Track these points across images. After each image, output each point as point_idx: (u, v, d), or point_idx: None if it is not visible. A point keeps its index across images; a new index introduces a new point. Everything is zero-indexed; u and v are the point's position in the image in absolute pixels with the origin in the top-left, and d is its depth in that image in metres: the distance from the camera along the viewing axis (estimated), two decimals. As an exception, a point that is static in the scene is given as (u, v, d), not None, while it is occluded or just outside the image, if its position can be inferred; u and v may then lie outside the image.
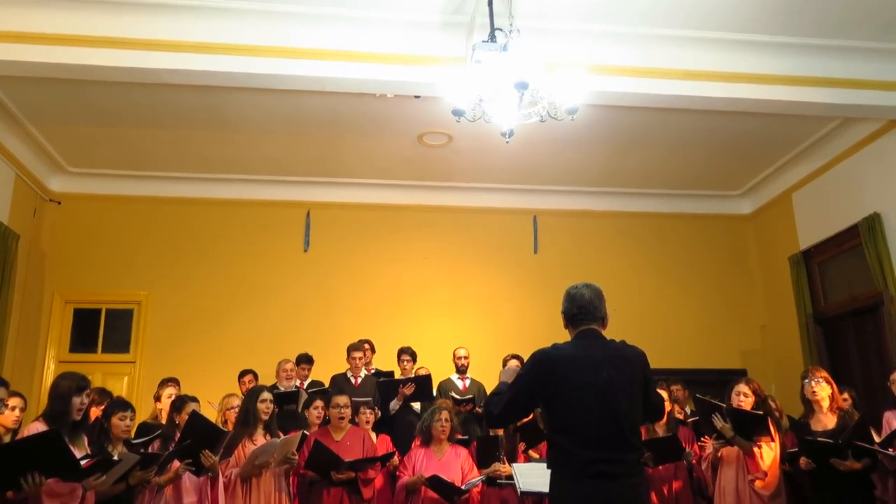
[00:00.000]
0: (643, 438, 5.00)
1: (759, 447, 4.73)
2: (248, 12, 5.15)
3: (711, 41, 5.60)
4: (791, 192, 8.24)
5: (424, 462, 5.23)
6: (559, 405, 3.01)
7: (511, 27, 4.27)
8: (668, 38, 5.55)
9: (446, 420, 5.36)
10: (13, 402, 4.52)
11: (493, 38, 4.47)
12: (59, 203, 8.11)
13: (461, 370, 6.97)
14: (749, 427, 4.77)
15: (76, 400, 3.85)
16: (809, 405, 4.84)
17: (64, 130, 7.16)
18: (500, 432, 5.64)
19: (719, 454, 4.97)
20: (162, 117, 6.90)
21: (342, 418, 5.40)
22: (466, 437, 5.71)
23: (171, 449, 4.39)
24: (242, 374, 6.91)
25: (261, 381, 6.65)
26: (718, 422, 4.82)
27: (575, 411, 2.97)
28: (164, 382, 6.28)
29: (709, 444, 5.03)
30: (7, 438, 4.31)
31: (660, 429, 5.40)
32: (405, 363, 6.88)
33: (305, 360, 7.02)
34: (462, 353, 7.01)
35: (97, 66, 5.12)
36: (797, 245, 8.04)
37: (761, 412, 4.81)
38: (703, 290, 8.85)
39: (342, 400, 5.46)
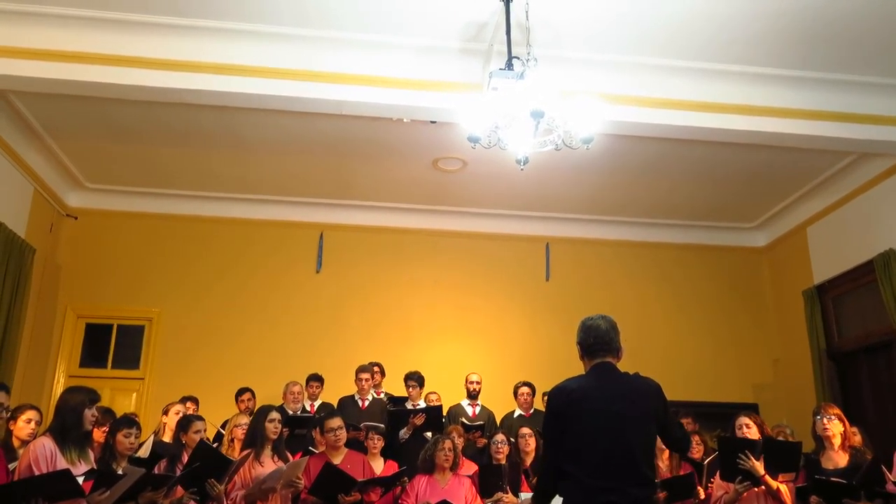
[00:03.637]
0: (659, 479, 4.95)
1: (784, 484, 4.59)
2: (268, 35, 5.21)
3: (729, 74, 5.62)
4: (806, 225, 8.20)
5: (428, 490, 5.19)
6: (571, 435, 3.03)
7: (528, 55, 4.29)
8: (685, 69, 5.57)
9: (449, 449, 5.31)
10: (29, 414, 4.56)
11: (510, 65, 4.50)
12: (76, 218, 8.18)
13: (472, 395, 6.94)
14: (779, 461, 4.58)
15: (88, 413, 3.86)
16: (821, 442, 4.75)
17: (83, 146, 7.24)
18: (503, 461, 5.60)
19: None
20: (180, 136, 6.97)
21: (338, 440, 5.35)
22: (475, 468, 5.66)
23: (178, 468, 4.37)
24: (240, 392, 6.88)
25: (261, 400, 6.61)
26: (747, 462, 4.48)
27: (586, 442, 2.99)
28: (184, 400, 6.28)
29: (716, 489, 4.85)
30: (21, 451, 4.32)
31: (662, 463, 5.28)
32: (411, 388, 6.83)
33: (315, 379, 7.00)
34: (475, 378, 6.98)
35: (118, 85, 5.19)
36: (811, 279, 7.98)
37: (797, 441, 4.66)
38: (715, 323, 8.79)
39: (335, 423, 5.36)
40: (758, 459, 4.53)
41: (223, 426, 6.16)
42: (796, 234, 8.41)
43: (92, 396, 3.91)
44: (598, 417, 3.00)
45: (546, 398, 3.23)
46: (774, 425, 6.24)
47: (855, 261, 7.26)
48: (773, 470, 4.54)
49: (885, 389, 6.99)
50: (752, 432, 4.78)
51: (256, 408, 6.53)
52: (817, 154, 6.88)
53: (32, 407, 4.66)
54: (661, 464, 5.24)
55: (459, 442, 5.76)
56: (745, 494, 4.62)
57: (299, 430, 6.14)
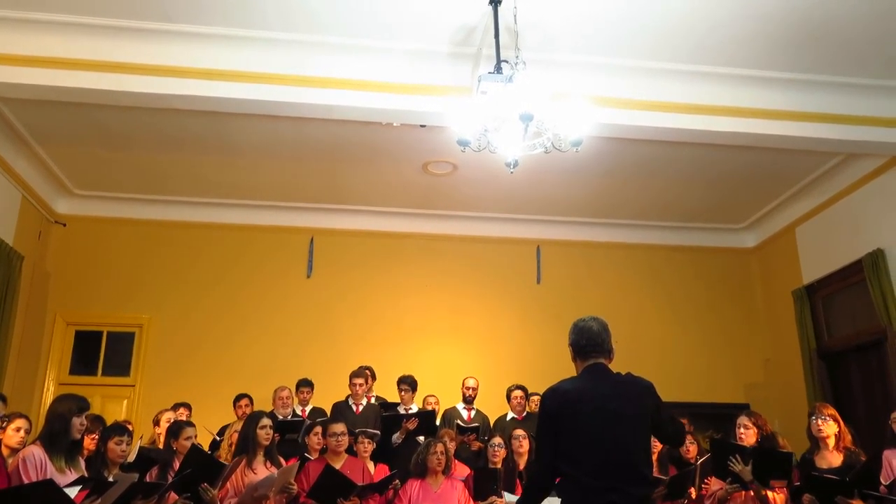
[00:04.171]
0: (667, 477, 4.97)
1: (774, 491, 4.61)
2: (256, 40, 5.21)
3: (717, 76, 5.64)
4: (795, 226, 8.24)
5: (420, 495, 5.19)
6: (567, 437, 3.03)
7: (517, 59, 4.30)
8: (674, 72, 5.59)
9: (441, 453, 5.30)
10: (18, 423, 4.54)
11: (499, 69, 4.51)
12: (65, 225, 8.14)
13: (468, 400, 6.92)
14: (770, 468, 4.58)
15: (76, 420, 3.86)
16: (815, 442, 4.78)
17: (71, 153, 7.21)
18: (500, 466, 5.59)
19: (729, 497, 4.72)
20: (168, 142, 6.94)
21: (339, 446, 5.36)
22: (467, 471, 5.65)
23: (169, 475, 4.35)
24: (238, 398, 6.86)
25: (257, 406, 6.61)
26: (736, 466, 4.56)
27: (583, 443, 2.99)
28: (177, 406, 6.26)
29: (713, 484, 4.89)
30: (10, 459, 4.30)
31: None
32: (404, 392, 6.82)
33: (305, 384, 6.99)
34: (471, 383, 6.96)
35: (106, 91, 5.18)
36: (801, 279, 8.02)
37: (789, 451, 4.70)
38: (705, 323, 8.81)
39: (339, 428, 5.40)
40: (747, 465, 4.56)
41: (220, 433, 6.15)
42: (785, 235, 8.45)
43: (81, 405, 3.91)
44: (594, 418, 3.00)
45: (540, 400, 3.22)
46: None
47: (844, 261, 7.30)
48: (763, 476, 4.56)
49: (876, 388, 7.02)
50: (750, 434, 4.81)
51: (252, 414, 6.52)
52: (805, 155, 6.92)
53: (21, 415, 4.64)
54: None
55: (451, 445, 5.75)
56: (734, 495, 4.67)
57: (290, 435, 6.12)
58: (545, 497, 3.15)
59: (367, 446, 5.67)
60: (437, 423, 6.55)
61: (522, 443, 5.75)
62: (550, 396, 3.15)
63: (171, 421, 5.55)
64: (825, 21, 5.09)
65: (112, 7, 4.94)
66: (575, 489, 2.97)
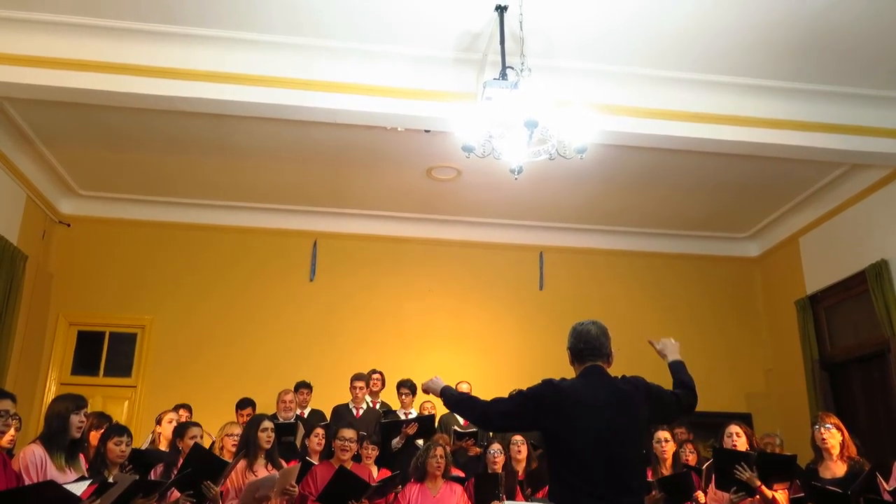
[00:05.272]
0: (655, 478, 4.95)
1: (777, 492, 4.59)
2: (262, 44, 5.22)
3: (722, 85, 5.65)
4: (798, 236, 8.23)
5: (419, 499, 5.18)
6: (561, 442, 2.99)
7: (522, 65, 4.32)
8: (679, 80, 5.60)
9: (441, 456, 5.30)
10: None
11: (504, 75, 4.52)
12: (69, 225, 8.16)
13: (463, 406, 6.90)
14: (773, 472, 4.58)
15: (74, 418, 3.87)
16: (819, 452, 4.76)
17: (76, 153, 7.23)
18: (500, 470, 5.58)
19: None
20: (173, 143, 6.96)
21: (346, 451, 5.36)
22: (462, 476, 5.65)
23: (173, 474, 4.35)
24: (242, 405, 6.78)
25: (259, 410, 6.59)
26: (744, 473, 4.50)
27: (575, 449, 2.94)
28: (177, 408, 6.25)
29: (710, 500, 4.85)
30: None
31: (665, 470, 5.29)
32: (404, 396, 6.82)
33: (304, 386, 6.99)
34: (464, 388, 6.95)
35: (111, 92, 5.20)
36: (804, 289, 8.01)
37: (791, 454, 4.67)
38: (708, 332, 8.78)
39: (349, 434, 5.41)
40: (751, 470, 4.55)
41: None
42: (789, 245, 8.44)
43: (78, 403, 3.92)
44: (587, 427, 2.94)
45: (540, 382, 3.14)
46: (764, 434, 6.25)
47: (847, 271, 7.29)
48: (767, 480, 4.55)
49: (878, 399, 7.01)
50: (742, 441, 4.80)
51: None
52: (809, 165, 6.91)
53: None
54: (663, 471, 5.25)
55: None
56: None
57: (286, 438, 6.12)
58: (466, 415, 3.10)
59: (370, 453, 5.68)
60: (436, 426, 6.54)
61: (521, 448, 5.72)
62: (546, 387, 3.07)
63: (173, 421, 5.56)
64: (829, 31, 5.09)
65: (118, 9, 4.96)
66: (569, 492, 2.94)
